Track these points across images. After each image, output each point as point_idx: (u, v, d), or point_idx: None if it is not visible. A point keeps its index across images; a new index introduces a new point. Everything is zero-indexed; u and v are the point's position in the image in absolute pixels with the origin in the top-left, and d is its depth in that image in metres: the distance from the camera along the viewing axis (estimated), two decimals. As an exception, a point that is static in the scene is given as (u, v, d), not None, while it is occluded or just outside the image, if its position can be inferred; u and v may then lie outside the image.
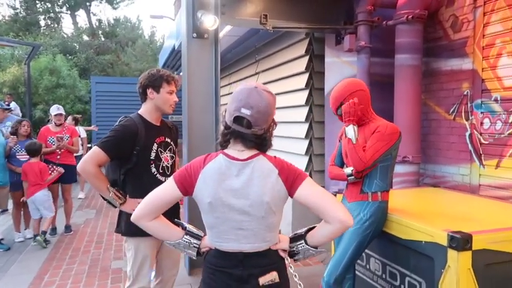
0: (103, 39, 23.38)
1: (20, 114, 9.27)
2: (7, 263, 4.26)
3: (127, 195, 2.21)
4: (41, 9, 23.21)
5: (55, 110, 5.36)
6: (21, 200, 4.90)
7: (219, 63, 3.82)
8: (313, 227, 1.50)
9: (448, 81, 3.51)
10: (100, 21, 24.89)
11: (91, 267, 4.09)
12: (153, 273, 2.39)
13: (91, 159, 2.10)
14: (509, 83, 2.94)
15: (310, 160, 4.86)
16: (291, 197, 1.44)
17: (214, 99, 3.83)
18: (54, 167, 5.11)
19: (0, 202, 4.81)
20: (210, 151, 1.59)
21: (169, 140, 2.38)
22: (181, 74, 5.66)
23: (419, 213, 2.42)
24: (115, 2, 25.06)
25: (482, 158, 3.16)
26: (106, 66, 20.30)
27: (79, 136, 6.35)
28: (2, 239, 4.87)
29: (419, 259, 2.15)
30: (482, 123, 3.18)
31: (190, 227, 1.57)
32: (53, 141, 5.23)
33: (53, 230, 5.26)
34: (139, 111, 2.33)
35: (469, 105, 3.29)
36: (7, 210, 5.02)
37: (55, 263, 4.24)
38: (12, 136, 4.95)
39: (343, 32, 4.14)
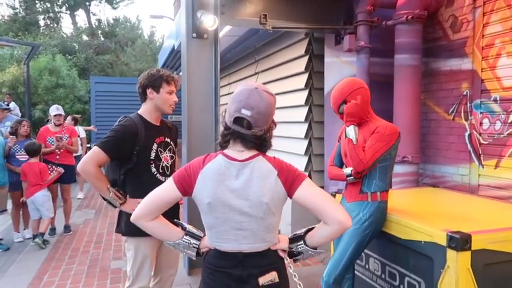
0: (102, 39, 23.37)
1: (20, 114, 9.26)
2: (6, 263, 4.26)
3: (127, 195, 2.20)
4: (40, 9, 23.18)
5: (54, 110, 5.36)
6: (20, 201, 4.89)
7: (219, 63, 3.82)
8: (313, 228, 1.50)
9: (447, 82, 3.51)
10: (99, 21, 24.88)
11: (90, 267, 4.09)
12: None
13: (91, 159, 2.10)
14: (508, 83, 2.95)
15: (309, 160, 4.86)
16: (290, 197, 1.44)
17: (213, 99, 3.83)
18: (54, 167, 5.11)
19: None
20: (210, 151, 1.59)
21: (168, 140, 2.38)
22: (180, 74, 5.66)
23: (418, 213, 2.43)
24: (114, 1, 25.04)
25: (482, 158, 3.17)
26: (106, 66, 20.29)
27: (78, 136, 6.35)
28: (1, 239, 4.87)
29: (418, 259, 2.15)
30: (481, 124, 3.18)
31: (189, 228, 1.57)
32: (53, 142, 5.23)
33: (52, 230, 5.26)
34: (139, 111, 2.33)
35: (468, 105, 3.29)
36: (6, 210, 5.01)
37: (54, 263, 4.24)
38: (11, 136, 4.95)
39: (343, 32, 4.15)
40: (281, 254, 1.53)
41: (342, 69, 4.29)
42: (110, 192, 2.14)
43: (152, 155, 2.25)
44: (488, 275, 1.95)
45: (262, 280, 1.45)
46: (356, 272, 2.65)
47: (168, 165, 2.34)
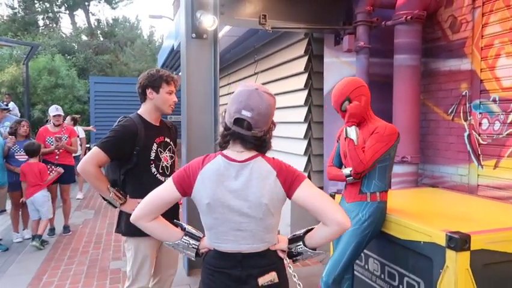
0: (101, 39, 23.37)
1: (19, 115, 9.25)
2: (5, 264, 4.25)
3: (127, 196, 2.21)
4: (39, 9, 23.17)
5: (54, 110, 5.36)
6: (20, 201, 4.88)
7: (218, 63, 3.82)
8: (312, 229, 1.50)
9: (447, 82, 3.52)
10: (98, 21, 24.87)
11: (89, 268, 4.09)
12: None
13: (91, 159, 2.10)
14: (507, 84, 2.95)
15: (309, 160, 4.86)
16: (289, 198, 1.44)
17: (213, 99, 3.83)
18: (53, 167, 5.11)
19: (-1, 202, 4.81)
20: (209, 151, 1.59)
21: (168, 140, 2.38)
22: (180, 74, 5.66)
23: (417, 214, 2.43)
24: (113, 1, 25.03)
25: (481, 158, 3.17)
26: (105, 66, 20.28)
27: (78, 136, 6.35)
28: (0, 240, 4.86)
29: (418, 259, 2.16)
30: (480, 124, 3.19)
31: (189, 228, 1.57)
32: (52, 142, 5.23)
33: (52, 231, 5.25)
34: (139, 112, 2.33)
35: (467, 105, 3.29)
36: (5, 210, 5.01)
37: (54, 263, 4.23)
38: (10, 136, 4.95)
39: (342, 33, 4.15)
40: (280, 254, 1.53)
41: (342, 69, 4.30)
42: (110, 193, 2.14)
43: (152, 155, 2.26)
44: (487, 275, 1.96)
45: (262, 280, 1.45)
46: (355, 272, 2.65)
47: (168, 165, 2.34)
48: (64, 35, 22.76)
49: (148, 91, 2.26)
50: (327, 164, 2.62)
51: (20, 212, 5.05)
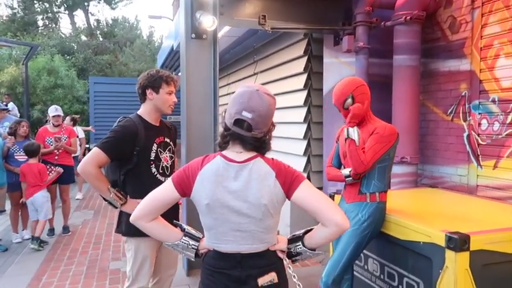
0: (101, 39, 23.36)
1: (18, 115, 9.25)
2: (5, 264, 4.25)
3: (128, 196, 2.21)
4: (39, 9, 23.16)
5: (53, 111, 5.36)
6: (20, 201, 4.88)
7: (218, 63, 3.82)
8: (311, 229, 1.50)
9: (446, 82, 3.52)
10: (98, 21, 24.87)
11: (89, 268, 4.09)
12: None
13: (91, 160, 2.10)
14: (506, 84, 2.95)
15: (308, 161, 4.86)
16: (289, 199, 1.44)
17: (212, 99, 3.83)
18: (53, 167, 5.10)
19: (-2, 203, 4.81)
20: (209, 152, 1.60)
21: (168, 140, 2.39)
22: (179, 74, 5.66)
23: (417, 214, 2.43)
24: (113, 2, 25.04)
25: (480, 158, 3.17)
26: (104, 67, 20.28)
27: (77, 136, 6.34)
28: (-1, 240, 4.86)
29: (417, 260, 2.16)
30: (480, 124, 3.19)
31: (188, 229, 1.57)
32: (51, 142, 5.23)
33: (51, 231, 5.25)
34: (138, 112, 2.33)
35: (466, 106, 3.29)
36: (5, 211, 5.00)
37: (53, 264, 4.23)
38: (10, 136, 4.94)
39: (341, 33, 4.15)
40: (280, 254, 1.53)
41: (341, 69, 4.30)
42: (110, 193, 2.14)
43: (152, 155, 2.26)
44: (487, 276, 1.96)
45: (262, 281, 1.45)
46: (354, 272, 2.65)
47: (168, 165, 2.35)
48: (63, 35, 22.75)
49: (148, 91, 2.27)
50: (326, 165, 2.62)
51: (20, 213, 5.05)
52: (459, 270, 1.90)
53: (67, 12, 24.23)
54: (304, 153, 4.86)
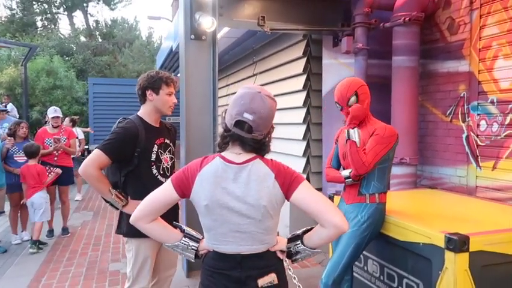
0: (100, 40, 23.37)
1: (17, 116, 9.24)
2: (4, 266, 4.24)
3: (129, 197, 2.21)
4: (37, 10, 23.16)
5: (52, 112, 5.35)
6: (21, 202, 4.87)
7: (217, 64, 3.82)
8: (311, 229, 1.50)
9: (445, 83, 3.53)
10: (97, 22, 24.88)
11: (88, 270, 4.08)
12: None
13: (92, 162, 2.10)
14: (505, 85, 2.96)
15: (307, 162, 4.86)
16: (288, 200, 1.45)
17: (212, 100, 3.83)
18: (52, 168, 5.10)
19: (-3, 204, 4.79)
20: (208, 153, 1.60)
21: (168, 141, 2.39)
22: (178, 75, 5.66)
23: (416, 215, 2.43)
24: (112, 2, 25.04)
25: (479, 159, 3.18)
26: (103, 68, 20.28)
27: (77, 137, 6.34)
28: (-1, 241, 4.85)
29: (417, 261, 2.16)
30: (478, 125, 3.20)
31: (188, 230, 1.57)
32: (50, 143, 5.22)
33: (50, 232, 5.24)
34: (139, 113, 2.33)
35: (465, 107, 3.30)
36: (4, 212, 4.99)
37: (52, 265, 4.22)
38: (9, 137, 4.94)
39: (340, 34, 4.16)
40: (279, 255, 1.53)
41: (340, 70, 4.30)
42: (112, 194, 2.14)
43: (153, 156, 2.26)
44: (486, 277, 1.96)
45: (262, 282, 1.45)
46: (354, 273, 2.65)
47: (168, 166, 2.35)
48: (62, 36, 22.75)
49: (148, 93, 2.27)
50: (326, 166, 2.62)
51: (19, 214, 5.04)
52: (458, 271, 1.90)
53: (65, 13, 24.24)
54: (304, 154, 4.87)
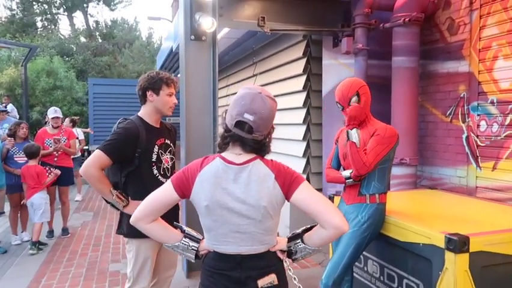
0: (100, 40, 23.39)
1: (17, 116, 9.24)
2: (4, 266, 4.24)
3: (129, 198, 2.21)
4: (37, 11, 23.18)
5: (52, 112, 5.35)
6: (22, 203, 4.87)
7: (217, 65, 3.82)
8: (311, 228, 1.50)
9: (445, 84, 3.53)
10: (97, 22, 24.90)
11: (88, 270, 4.08)
12: None
13: (93, 163, 2.10)
14: (505, 86, 2.96)
15: (307, 162, 4.86)
16: (288, 200, 1.45)
17: (212, 101, 3.83)
18: (52, 169, 5.09)
19: (-3, 205, 4.79)
20: (208, 153, 1.59)
21: (168, 142, 2.39)
22: (178, 76, 5.66)
23: (416, 215, 2.44)
24: (112, 3, 25.06)
25: (479, 160, 3.18)
26: (103, 68, 20.29)
27: (77, 138, 6.34)
28: (-2, 242, 4.85)
29: (417, 261, 2.16)
30: (478, 126, 3.20)
31: (188, 230, 1.57)
32: (50, 144, 5.22)
33: (50, 233, 5.24)
34: (139, 114, 2.33)
35: (465, 107, 3.30)
36: (4, 213, 4.99)
37: (52, 266, 4.22)
38: (9, 138, 4.94)
39: (340, 35, 4.16)
40: (280, 255, 1.53)
41: (340, 71, 4.30)
42: (113, 195, 2.14)
43: (154, 157, 2.26)
44: (486, 277, 1.96)
45: (262, 282, 1.45)
46: (354, 274, 2.65)
47: (169, 166, 2.35)
48: (62, 37, 22.77)
49: (149, 93, 2.27)
50: (326, 166, 2.62)
51: (19, 214, 5.04)
52: (458, 271, 1.90)
53: (65, 13, 24.26)
54: (304, 155, 4.87)
